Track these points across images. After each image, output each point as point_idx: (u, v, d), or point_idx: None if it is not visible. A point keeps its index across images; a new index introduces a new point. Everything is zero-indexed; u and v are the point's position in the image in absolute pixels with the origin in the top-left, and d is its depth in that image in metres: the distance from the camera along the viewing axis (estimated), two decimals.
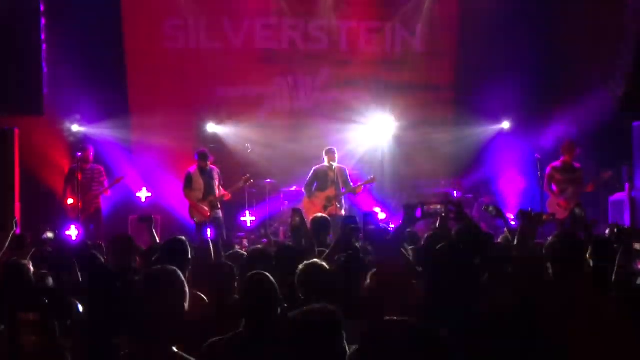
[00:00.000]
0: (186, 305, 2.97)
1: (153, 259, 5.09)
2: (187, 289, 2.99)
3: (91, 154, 10.45)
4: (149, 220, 6.54)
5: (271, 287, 3.64)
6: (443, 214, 4.97)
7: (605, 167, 9.98)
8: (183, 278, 3.01)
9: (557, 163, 9.97)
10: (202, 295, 4.46)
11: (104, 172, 10.58)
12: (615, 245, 5.03)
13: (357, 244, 5.49)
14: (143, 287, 2.96)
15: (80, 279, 4.67)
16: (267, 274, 3.71)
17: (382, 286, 3.58)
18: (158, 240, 6.25)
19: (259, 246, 6.25)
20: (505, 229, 5.13)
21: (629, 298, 3.22)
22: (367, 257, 4.93)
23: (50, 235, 5.91)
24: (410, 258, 5.11)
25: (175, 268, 3.07)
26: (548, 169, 9.95)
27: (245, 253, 5.66)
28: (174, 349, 2.90)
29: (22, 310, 2.61)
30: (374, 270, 4.13)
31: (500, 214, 5.49)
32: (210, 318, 4.14)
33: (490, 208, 5.47)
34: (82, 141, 11.07)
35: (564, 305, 3.90)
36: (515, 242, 4.95)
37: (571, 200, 9.64)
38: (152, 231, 6.45)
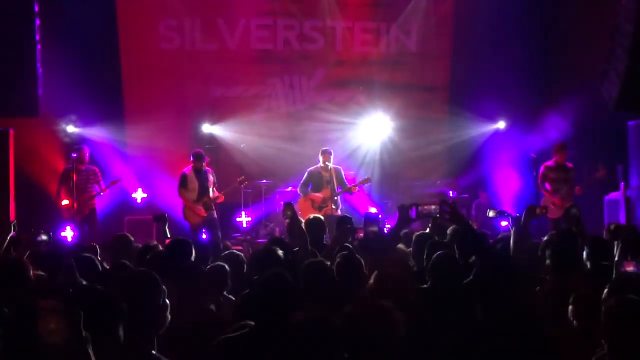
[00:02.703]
0: (167, 307, 2.98)
1: (148, 257, 5.06)
2: (164, 291, 3.00)
3: (87, 154, 10.43)
4: (163, 219, 6.57)
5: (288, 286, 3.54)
6: (437, 215, 4.97)
7: (598, 165, 10.02)
8: (159, 281, 3.02)
9: (550, 163, 10.10)
10: (197, 296, 4.45)
11: (99, 173, 10.57)
12: (612, 244, 5.05)
13: (353, 244, 5.49)
14: (120, 290, 2.96)
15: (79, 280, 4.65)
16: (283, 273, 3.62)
17: (383, 286, 3.57)
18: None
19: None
20: (512, 229, 5.07)
21: (628, 296, 3.22)
22: (364, 257, 4.91)
23: (44, 237, 5.88)
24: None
25: (150, 271, 3.08)
26: (542, 168, 10.09)
27: (240, 254, 5.65)
28: (154, 352, 2.87)
29: (39, 296, 2.58)
30: (377, 272, 4.11)
31: (502, 213, 5.47)
32: (202, 319, 4.13)
33: (491, 213, 5.46)
34: (78, 141, 11.05)
35: (562, 305, 3.91)
36: (513, 241, 4.95)
37: (565, 199, 9.72)
38: (166, 230, 6.47)
